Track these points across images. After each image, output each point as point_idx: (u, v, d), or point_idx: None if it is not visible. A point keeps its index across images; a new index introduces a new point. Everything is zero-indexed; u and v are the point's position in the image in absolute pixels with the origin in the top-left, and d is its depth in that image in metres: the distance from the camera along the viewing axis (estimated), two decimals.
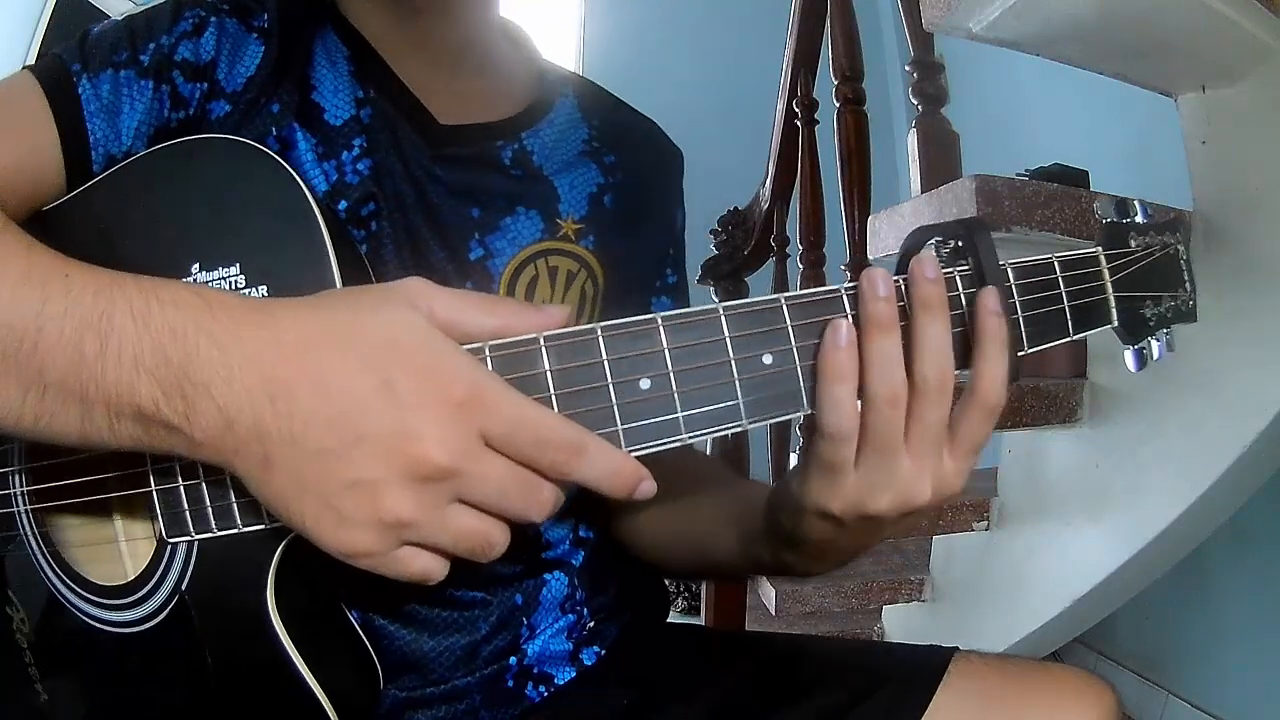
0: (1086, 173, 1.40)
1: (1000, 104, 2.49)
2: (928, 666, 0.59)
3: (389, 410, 0.35)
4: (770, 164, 1.96)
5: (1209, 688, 1.72)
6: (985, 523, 1.50)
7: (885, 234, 1.36)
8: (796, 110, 1.82)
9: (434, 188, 0.60)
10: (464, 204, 0.61)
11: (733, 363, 0.40)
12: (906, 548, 1.77)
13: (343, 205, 0.57)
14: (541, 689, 0.64)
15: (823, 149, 1.75)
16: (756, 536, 0.54)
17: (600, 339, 0.39)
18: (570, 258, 0.64)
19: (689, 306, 0.75)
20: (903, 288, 0.42)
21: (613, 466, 0.38)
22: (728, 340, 0.40)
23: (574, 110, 0.69)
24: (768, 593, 1.66)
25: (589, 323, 0.65)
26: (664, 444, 0.40)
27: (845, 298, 0.42)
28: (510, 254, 0.62)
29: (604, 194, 0.67)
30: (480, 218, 0.61)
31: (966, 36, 1.15)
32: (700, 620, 1.81)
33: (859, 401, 0.41)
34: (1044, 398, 1.33)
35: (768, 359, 0.40)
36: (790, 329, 0.40)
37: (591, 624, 0.66)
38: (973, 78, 2.29)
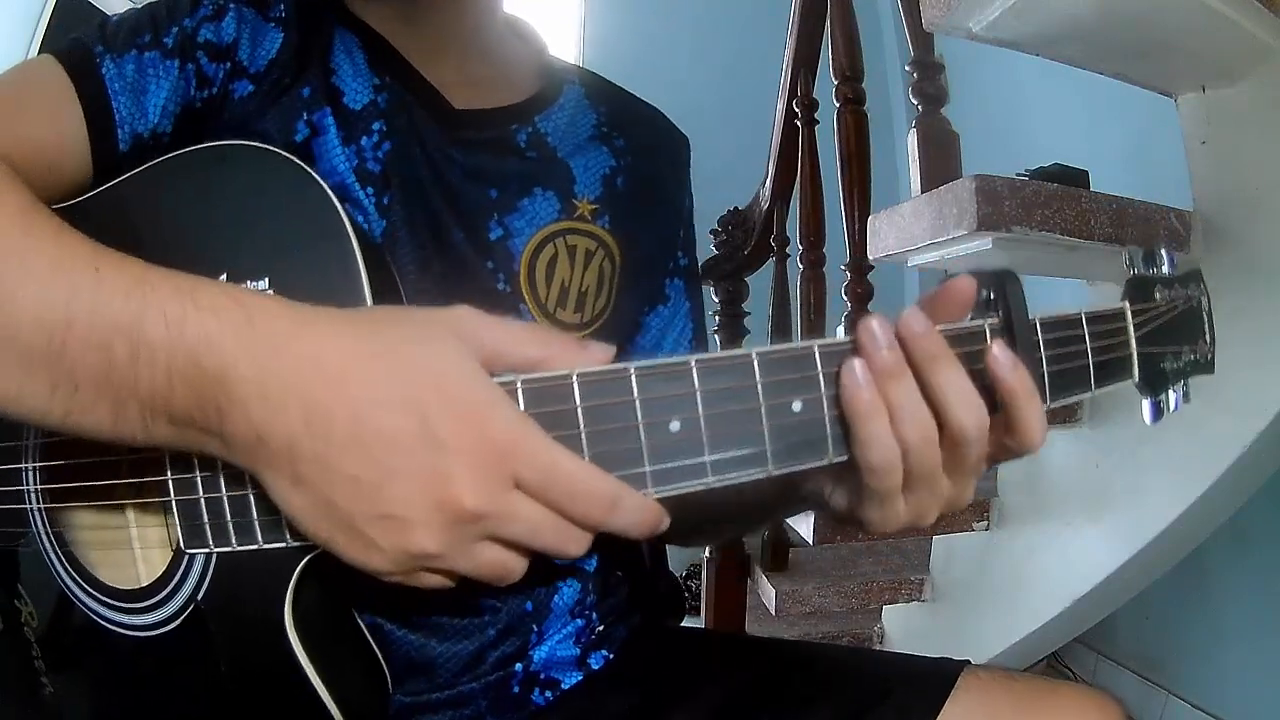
0: (1086, 173, 1.39)
1: (1000, 104, 2.49)
2: (936, 681, 0.59)
3: (424, 451, 0.35)
4: (770, 164, 1.95)
5: (1209, 688, 1.73)
6: (985, 523, 1.51)
7: (885, 234, 1.36)
8: (796, 110, 1.81)
9: (451, 170, 0.61)
10: (481, 186, 0.62)
11: (763, 408, 0.39)
12: (906, 548, 1.77)
13: (370, 191, 0.58)
14: (548, 694, 0.64)
15: (823, 149, 1.74)
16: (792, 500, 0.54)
17: (633, 378, 0.38)
18: (588, 237, 0.65)
19: (701, 292, 0.76)
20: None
21: (641, 515, 0.38)
22: (759, 385, 0.39)
23: (581, 97, 0.70)
24: (768, 592, 1.66)
25: (610, 300, 0.66)
26: (689, 486, 0.39)
27: None
28: (529, 233, 0.62)
29: (616, 176, 0.68)
30: (498, 199, 0.62)
31: (966, 36, 1.15)
32: (700, 620, 1.81)
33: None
34: None
35: (797, 406, 0.39)
36: (821, 376, 0.40)
37: (600, 628, 0.67)
38: (973, 78, 2.29)
